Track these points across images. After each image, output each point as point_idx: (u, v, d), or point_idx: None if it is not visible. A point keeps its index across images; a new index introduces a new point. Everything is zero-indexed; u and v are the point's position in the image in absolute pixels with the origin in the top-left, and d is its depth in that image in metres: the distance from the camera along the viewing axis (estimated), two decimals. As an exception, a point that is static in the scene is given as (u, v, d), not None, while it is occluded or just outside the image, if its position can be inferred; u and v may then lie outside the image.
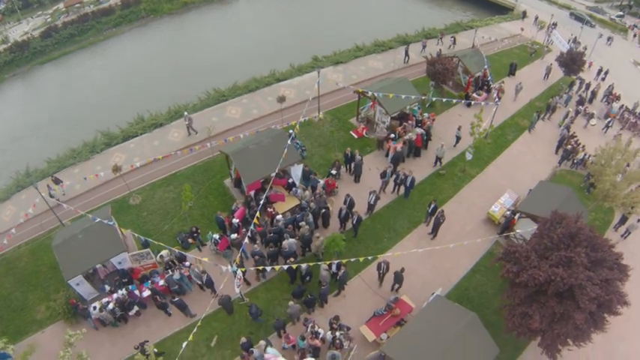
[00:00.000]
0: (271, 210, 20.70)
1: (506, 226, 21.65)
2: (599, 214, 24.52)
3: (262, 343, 16.41)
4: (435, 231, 21.51)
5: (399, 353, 15.30)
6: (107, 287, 19.32)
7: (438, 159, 25.39)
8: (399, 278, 18.97)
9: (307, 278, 19.12)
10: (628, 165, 23.78)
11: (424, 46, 38.86)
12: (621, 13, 61.87)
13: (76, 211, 21.82)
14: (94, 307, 18.35)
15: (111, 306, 18.20)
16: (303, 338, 16.90)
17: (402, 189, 23.53)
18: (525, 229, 20.34)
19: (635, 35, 54.18)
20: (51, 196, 23.39)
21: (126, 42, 55.65)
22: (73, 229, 19.65)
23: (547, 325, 15.03)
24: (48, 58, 54.62)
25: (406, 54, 37.58)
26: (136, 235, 19.82)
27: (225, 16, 60.95)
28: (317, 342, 16.72)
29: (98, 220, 18.99)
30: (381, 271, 19.14)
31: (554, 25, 46.98)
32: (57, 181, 24.41)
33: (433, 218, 21.37)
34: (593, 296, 14.18)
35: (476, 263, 21.19)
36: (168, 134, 28.70)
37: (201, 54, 47.50)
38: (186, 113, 27.95)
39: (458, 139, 27.17)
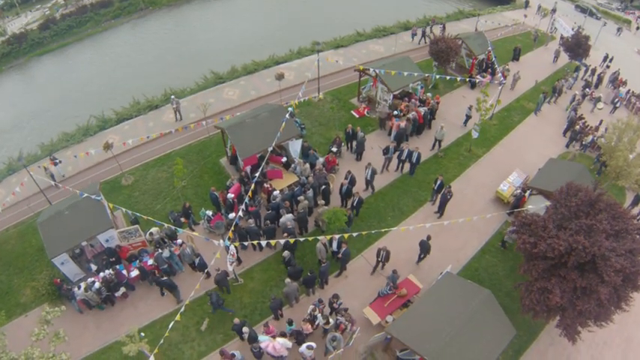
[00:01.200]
0: (268, 186, 19.68)
1: (517, 204, 20.58)
2: (611, 195, 23.44)
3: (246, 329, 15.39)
4: (441, 209, 20.44)
5: (407, 335, 14.09)
6: (93, 267, 18.31)
7: (437, 141, 24.26)
8: (425, 247, 17.86)
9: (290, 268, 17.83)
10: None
11: (414, 34, 37.75)
12: None
13: (64, 188, 20.92)
14: (79, 287, 17.31)
15: (97, 285, 17.16)
16: (290, 322, 15.80)
17: (407, 167, 22.53)
18: (537, 206, 19.23)
19: (638, 27, 53.47)
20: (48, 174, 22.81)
21: (124, 33, 55.09)
22: (59, 206, 18.74)
23: (568, 301, 13.89)
24: (45, 49, 54.14)
25: (423, 35, 37.02)
26: (124, 210, 18.79)
27: (224, 6, 60.29)
28: (308, 327, 15.60)
29: (85, 195, 18.00)
30: (380, 259, 17.92)
31: (554, 10, 46.74)
32: (54, 159, 23.55)
33: (439, 196, 20.30)
34: (619, 268, 13.09)
35: (485, 243, 20.17)
36: (163, 115, 27.87)
37: (200, 43, 46.84)
38: (173, 97, 27.03)
39: (468, 117, 26.24)
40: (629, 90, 33.78)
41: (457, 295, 15.21)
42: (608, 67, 38.28)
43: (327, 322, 15.75)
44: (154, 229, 19.09)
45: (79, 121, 29.12)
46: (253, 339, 15.68)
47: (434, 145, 24.43)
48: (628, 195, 23.76)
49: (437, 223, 19.06)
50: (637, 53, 46.14)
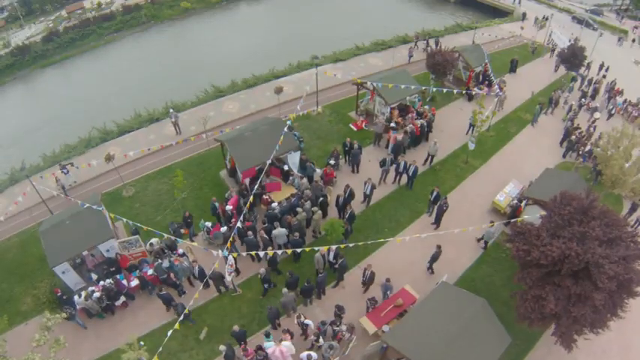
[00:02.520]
0: (267, 198, 20.01)
1: (513, 215, 20.78)
2: (607, 203, 23.61)
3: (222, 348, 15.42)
4: (438, 220, 20.69)
5: (403, 343, 14.26)
6: (94, 276, 18.51)
7: (430, 156, 24.32)
8: (436, 256, 18.35)
9: (266, 285, 17.97)
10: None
11: (410, 55, 37.34)
12: None
13: (66, 199, 21.38)
14: (79, 295, 17.58)
15: (97, 294, 17.40)
16: (267, 335, 15.70)
17: (404, 179, 22.82)
18: (533, 215, 19.45)
19: (634, 40, 54.18)
20: (60, 185, 23.21)
21: (127, 46, 55.90)
22: (61, 216, 19.06)
23: (563, 308, 14.02)
24: (49, 61, 54.82)
25: (427, 45, 37.83)
26: (125, 220, 18.96)
27: (225, 21, 61.24)
28: (287, 337, 15.35)
29: (87, 205, 18.34)
30: (365, 279, 17.97)
31: (545, 18, 47.76)
32: (63, 168, 23.85)
33: (436, 207, 20.57)
34: (612, 275, 13.21)
35: (482, 253, 20.36)
36: (164, 128, 28.20)
37: (201, 57, 47.52)
38: (171, 110, 27.47)
39: (471, 126, 25.98)
40: (625, 99, 34.36)
41: (452, 304, 15.40)
42: (604, 76, 38.70)
43: (318, 340, 15.81)
44: (154, 240, 19.33)
45: (81, 132, 29.49)
46: (230, 358, 15.76)
47: (426, 161, 24.47)
48: (625, 203, 24.00)
49: (433, 233, 19.40)
50: (634, 63, 46.63)
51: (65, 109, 40.22)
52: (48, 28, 65.49)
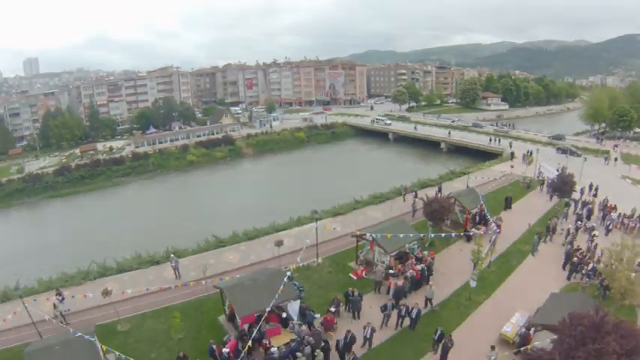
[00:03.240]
0: (266, 342, 19.37)
1: (522, 342, 19.52)
2: (620, 315, 22.31)
3: None
4: (444, 359, 19.43)
5: None
6: None
7: (428, 300, 23.86)
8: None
9: None
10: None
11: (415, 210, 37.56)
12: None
13: (57, 325, 21.05)
14: None
15: None
16: None
17: (406, 322, 22.07)
18: (544, 341, 18.08)
19: (616, 159, 57.76)
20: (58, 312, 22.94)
21: (133, 191, 58.74)
22: (50, 340, 18.35)
23: None
24: (57, 193, 57.30)
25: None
26: (117, 353, 18.21)
27: (227, 176, 65.00)
28: None
29: (79, 334, 17.72)
30: None
31: (530, 153, 52.31)
32: (59, 294, 23.70)
33: (441, 345, 19.59)
34: None
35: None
36: (163, 271, 28.12)
37: (203, 208, 49.72)
38: (172, 255, 27.87)
39: (475, 264, 25.64)
40: (620, 213, 35.06)
41: None
42: (594, 195, 40.19)
43: None
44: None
45: (80, 264, 29.53)
46: None
47: (426, 304, 23.86)
48: (639, 312, 22.99)
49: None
50: (622, 178, 49.09)
51: (66, 241, 41.41)
52: (61, 162, 69.75)
